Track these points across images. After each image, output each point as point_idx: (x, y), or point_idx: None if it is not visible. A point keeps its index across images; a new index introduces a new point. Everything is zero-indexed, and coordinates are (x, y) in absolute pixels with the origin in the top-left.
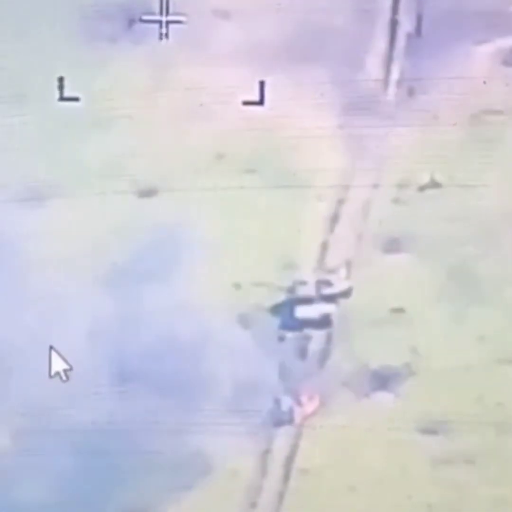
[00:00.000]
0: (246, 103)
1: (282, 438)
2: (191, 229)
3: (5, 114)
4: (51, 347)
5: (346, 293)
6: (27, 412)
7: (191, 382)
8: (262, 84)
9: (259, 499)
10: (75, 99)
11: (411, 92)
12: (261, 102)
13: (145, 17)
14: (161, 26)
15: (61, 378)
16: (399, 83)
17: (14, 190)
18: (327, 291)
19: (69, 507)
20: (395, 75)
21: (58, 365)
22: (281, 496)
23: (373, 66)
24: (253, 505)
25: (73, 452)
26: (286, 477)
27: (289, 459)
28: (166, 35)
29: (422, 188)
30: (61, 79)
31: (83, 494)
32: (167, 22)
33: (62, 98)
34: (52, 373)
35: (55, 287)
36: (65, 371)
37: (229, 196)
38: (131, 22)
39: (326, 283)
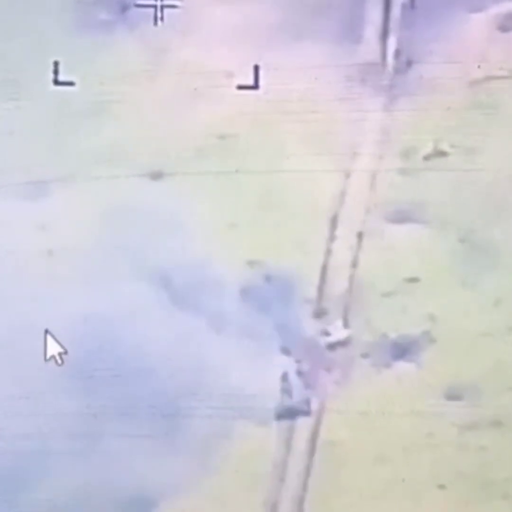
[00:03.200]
0: (240, 87)
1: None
2: (198, 212)
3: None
4: (46, 331)
5: (345, 342)
6: (22, 396)
7: (192, 366)
8: (256, 68)
9: (287, 474)
10: (70, 83)
11: (409, 63)
12: (256, 86)
13: (139, 2)
14: (156, 11)
15: (56, 362)
16: (397, 54)
17: (10, 174)
18: (326, 340)
19: (64, 492)
20: (392, 46)
21: (53, 349)
22: (308, 470)
23: (370, 39)
24: (282, 480)
25: (68, 435)
26: (312, 450)
27: (314, 433)
28: (161, 19)
29: (427, 157)
30: (55, 63)
31: (78, 478)
32: (162, 7)
33: (57, 83)
34: (48, 356)
35: (52, 271)
36: (60, 354)
37: (234, 178)
38: (125, 6)
39: (325, 333)
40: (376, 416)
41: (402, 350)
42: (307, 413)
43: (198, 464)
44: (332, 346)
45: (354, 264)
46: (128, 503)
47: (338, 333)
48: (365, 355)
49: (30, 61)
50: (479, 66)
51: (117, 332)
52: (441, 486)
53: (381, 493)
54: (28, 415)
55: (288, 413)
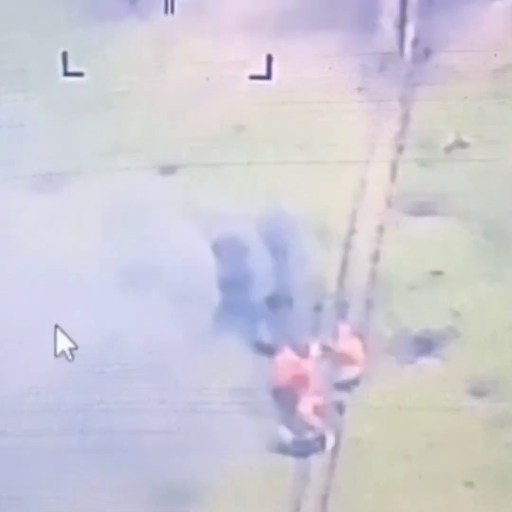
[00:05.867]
0: (253, 77)
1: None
2: (210, 204)
3: (8, 90)
4: (56, 326)
5: (356, 381)
6: (33, 392)
7: (204, 361)
8: (269, 57)
9: (310, 472)
10: (80, 74)
11: (427, 52)
12: (268, 76)
13: None
14: (166, 0)
15: (66, 357)
16: (415, 43)
17: (20, 167)
18: (337, 378)
19: (75, 488)
20: (409, 35)
21: (63, 344)
22: (332, 467)
23: (387, 27)
24: (305, 478)
25: (79, 431)
26: (336, 448)
27: (338, 430)
28: (172, 8)
29: (448, 148)
30: (64, 54)
31: (90, 476)
32: None
33: (66, 74)
34: (58, 352)
35: (61, 265)
36: (70, 350)
37: (250, 171)
38: None
39: (336, 372)
40: (400, 412)
41: (426, 345)
42: (320, 449)
43: (216, 461)
44: (343, 386)
45: (375, 258)
46: (140, 500)
47: (349, 372)
48: (388, 350)
49: (39, 52)
50: (495, 54)
51: (128, 327)
52: (468, 483)
53: (407, 490)
54: (39, 411)
55: (301, 449)
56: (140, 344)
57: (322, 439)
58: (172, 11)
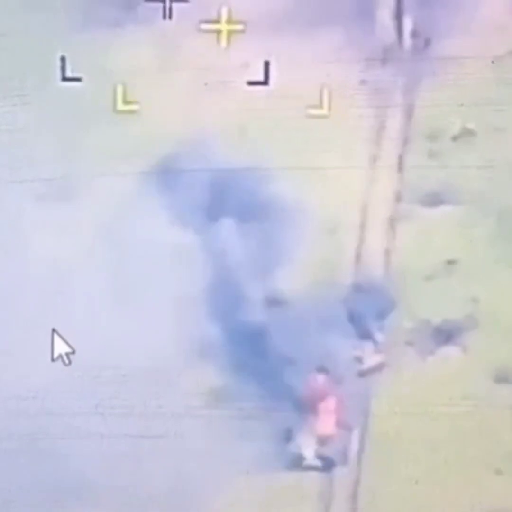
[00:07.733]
0: (250, 83)
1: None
2: (212, 207)
3: (6, 94)
4: (53, 330)
5: (378, 368)
6: (30, 395)
7: (203, 365)
8: (267, 63)
9: (337, 467)
10: (77, 79)
11: (427, 42)
12: (266, 82)
13: None
14: (165, 5)
15: (63, 361)
16: (414, 34)
17: (17, 171)
18: (359, 368)
19: (72, 491)
20: (408, 26)
21: (60, 348)
22: (359, 460)
23: (385, 20)
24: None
25: (76, 436)
26: (362, 442)
27: (363, 426)
28: (170, 14)
29: (455, 138)
30: (63, 59)
31: (86, 478)
32: (171, 0)
33: (64, 79)
34: (55, 356)
35: (60, 270)
36: (67, 354)
37: (256, 175)
38: (134, 1)
39: (357, 359)
40: (425, 404)
41: (446, 335)
42: (344, 462)
43: (215, 465)
44: (364, 374)
45: (389, 250)
46: (137, 503)
47: (371, 359)
48: (408, 343)
49: (37, 57)
50: (495, 42)
51: (125, 332)
52: (498, 471)
53: (436, 480)
54: (35, 415)
55: (323, 464)
56: (137, 348)
57: (344, 452)
58: (170, 16)
